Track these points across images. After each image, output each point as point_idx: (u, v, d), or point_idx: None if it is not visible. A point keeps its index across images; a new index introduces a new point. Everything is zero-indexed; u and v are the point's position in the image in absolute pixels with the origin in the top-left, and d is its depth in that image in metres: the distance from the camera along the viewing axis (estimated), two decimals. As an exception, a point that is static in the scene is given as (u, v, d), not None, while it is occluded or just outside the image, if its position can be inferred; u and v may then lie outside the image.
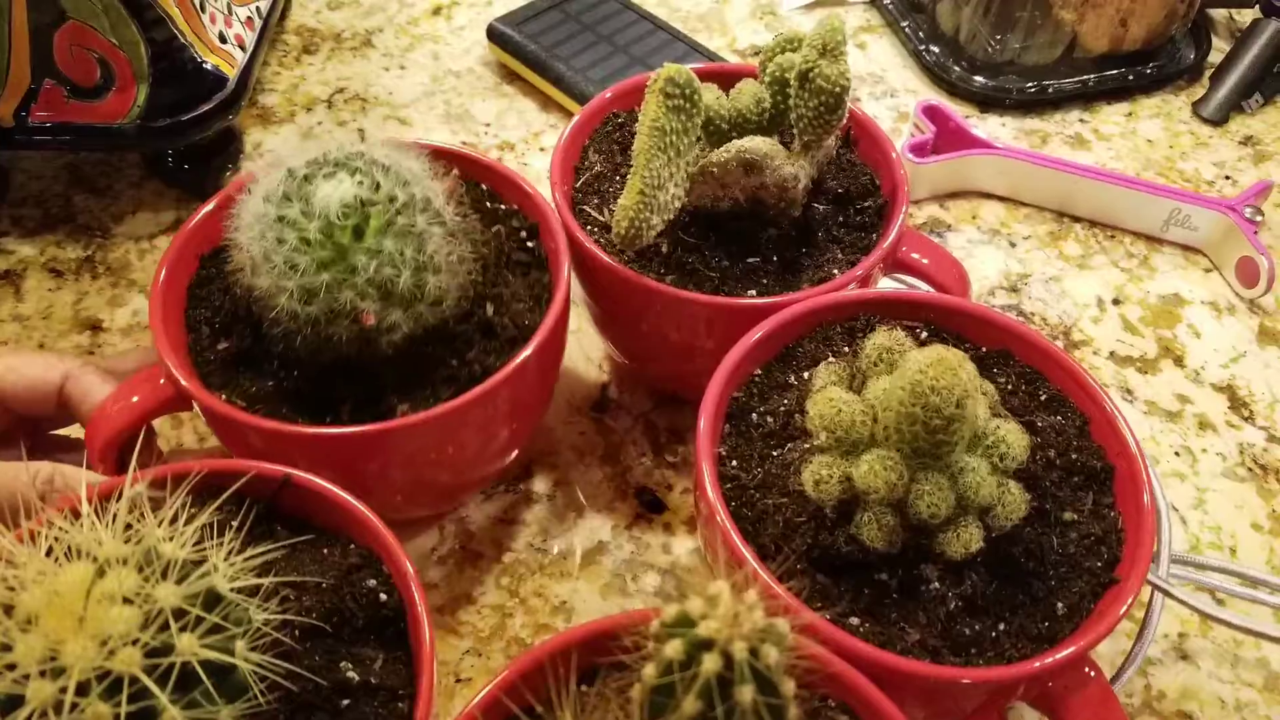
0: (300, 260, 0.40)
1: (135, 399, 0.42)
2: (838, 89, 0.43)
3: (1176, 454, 0.55)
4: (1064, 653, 0.35)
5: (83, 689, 0.27)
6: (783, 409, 0.42)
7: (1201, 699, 0.47)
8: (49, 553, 0.30)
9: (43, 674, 0.27)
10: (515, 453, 0.49)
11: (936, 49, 0.77)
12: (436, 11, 0.81)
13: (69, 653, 0.28)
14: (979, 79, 0.74)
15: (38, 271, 0.63)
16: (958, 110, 0.69)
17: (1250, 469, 0.55)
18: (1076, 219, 0.67)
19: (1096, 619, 0.36)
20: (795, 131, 0.47)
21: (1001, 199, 0.68)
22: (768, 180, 0.46)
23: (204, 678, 0.29)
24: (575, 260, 0.47)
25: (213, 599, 0.30)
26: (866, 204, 0.50)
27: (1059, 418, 0.43)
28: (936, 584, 0.37)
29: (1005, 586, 0.38)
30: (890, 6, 0.80)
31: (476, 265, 0.45)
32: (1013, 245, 0.65)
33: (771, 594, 0.36)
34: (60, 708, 0.27)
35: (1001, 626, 0.37)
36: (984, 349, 0.45)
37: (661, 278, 0.47)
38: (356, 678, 0.34)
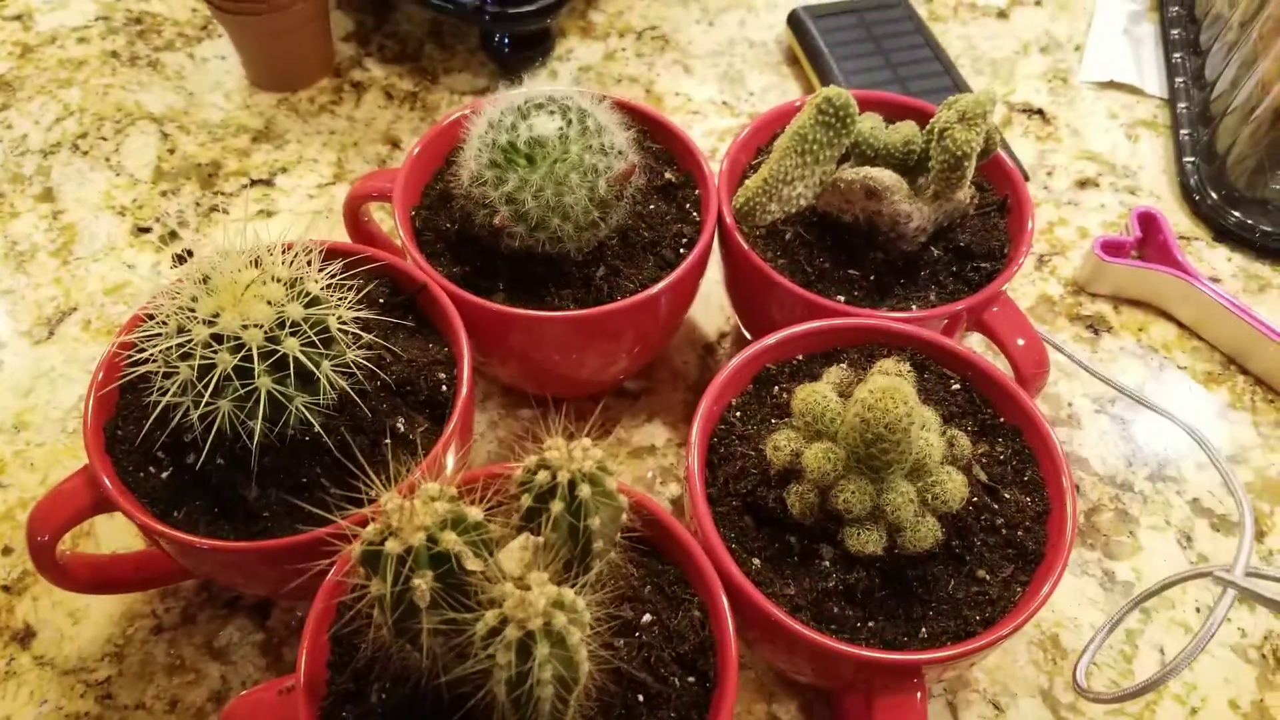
0: (483, 158, 0.52)
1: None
2: (959, 153, 0.49)
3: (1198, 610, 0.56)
4: (889, 656, 0.41)
5: (220, 341, 0.42)
6: (801, 392, 0.50)
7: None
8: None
9: (205, 323, 0.43)
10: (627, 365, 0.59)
11: (1204, 170, 0.76)
12: (765, -15, 0.90)
13: (223, 318, 0.43)
14: (1235, 213, 0.73)
15: (377, 91, 0.81)
16: (1176, 228, 0.70)
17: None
18: (1245, 371, 0.66)
19: (940, 650, 0.42)
20: (930, 179, 0.53)
21: (1180, 325, 0.68)
22: (884, 209, 0.52)
23: (291, 370, 0.43)
24: (718, 227, 0.56)
25: (323, 328, 0.44)
26: (984, 266, 0.55)
27: (1028, 499, 0.47)
28: (827, 563, 0.44)
29: (889, 597, 0.44)
30: (1183, 110, 0.80)
31: (612, 229, 0.54)
32: (1160, 369, 0.66)
33: (699, 508, 0.45)
34: (207, 345, 0.42)
35: (870, 624, 0.44)
36: (1002, 419, 0.50)
37: (774, 259, 0.55)
38: (401, 428, 0.48)
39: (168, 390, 0.43)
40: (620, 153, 0.52)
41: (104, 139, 0.77)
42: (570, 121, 0.52)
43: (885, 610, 0.44)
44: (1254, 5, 0.76)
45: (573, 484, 0.34)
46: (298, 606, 0.55)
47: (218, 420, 0.43)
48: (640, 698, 0.41)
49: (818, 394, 0.45)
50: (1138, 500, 0.60)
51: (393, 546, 0.32)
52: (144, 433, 0.47)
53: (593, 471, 0.34)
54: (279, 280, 0.44)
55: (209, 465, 0.45)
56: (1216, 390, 0.65)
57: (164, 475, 0.46)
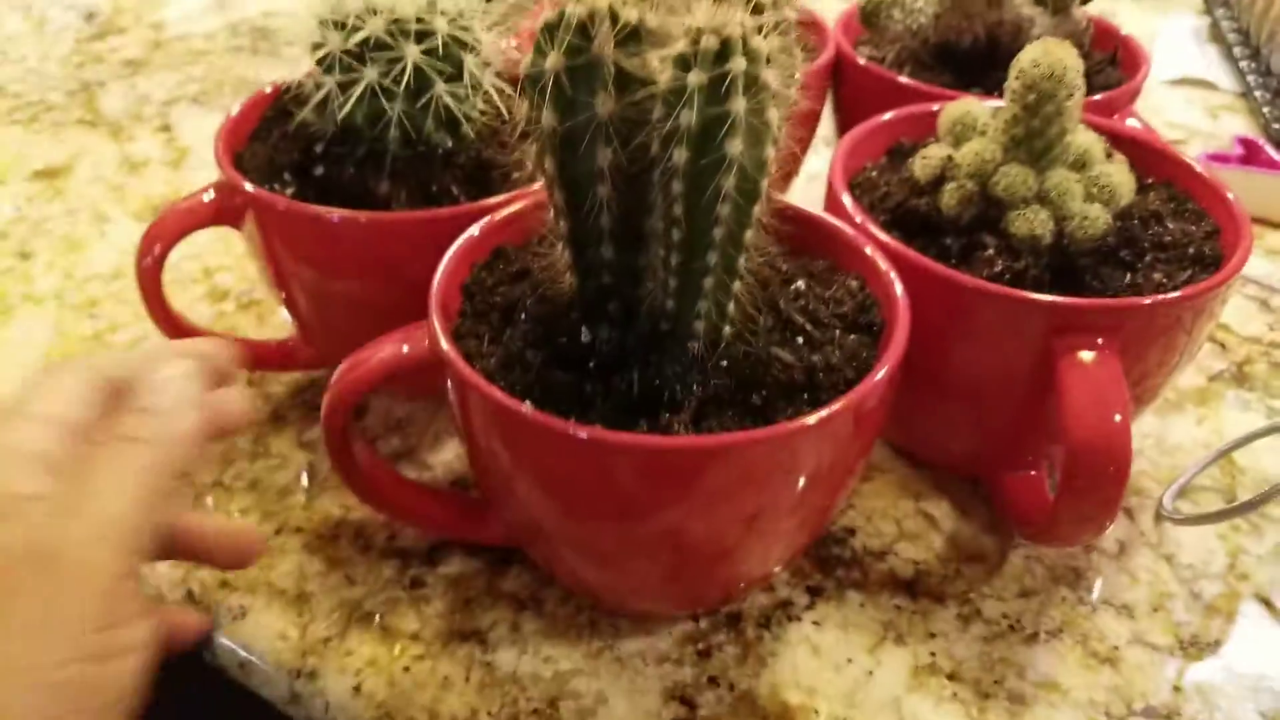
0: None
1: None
2: (1079, -60, 0.51)
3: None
4: (1071, 300, 0.38)
5: (374, 15, 0.43)
6: (937, 159, 0.48)
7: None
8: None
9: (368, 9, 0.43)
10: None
11: (1295, 130, 0.77)
12: None
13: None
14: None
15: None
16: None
17: None
18: (1376, 266, 0.63)
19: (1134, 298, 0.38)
20: (1047, -7, 0.54)
21: (1298, 235, 0.66)
22: (1005, 16, 0.53)
23: (440, 51, 0.43)
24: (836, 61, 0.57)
25: (471, 30, 0.45)
26: (1108, 90, 0.55)
27: (1193, 227, 0.44)
28: (991, 251, 0.41)
29: (1059, 287, 0.40)
30: (1260, 95, 0.82)
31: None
32: (1289, 264, 0.64)
33: (846, 208, 0.42)
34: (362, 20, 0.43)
35: (1043, 314, 0.40)
36: (1150, 179, 0.48)
37: (893, 86, 0.56)
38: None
39: (315, 56, 0.43)
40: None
41: (223, 95, 0.81)
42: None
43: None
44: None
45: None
46: (397, 406, 0.51)
47: (361, 90, 0.42)
48: (800, 339, 0.37)
49: (963, 105, 0.44)
50: (1290, 352, 0.56)
51: (574, 10, 0.30)
52: (274, 147, 0.46)
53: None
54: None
55: (339, 161, 0.44)
56: (1350, 280, 0.62)
57: (289, 191, 0.45)
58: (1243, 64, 0.87)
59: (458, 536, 0.44)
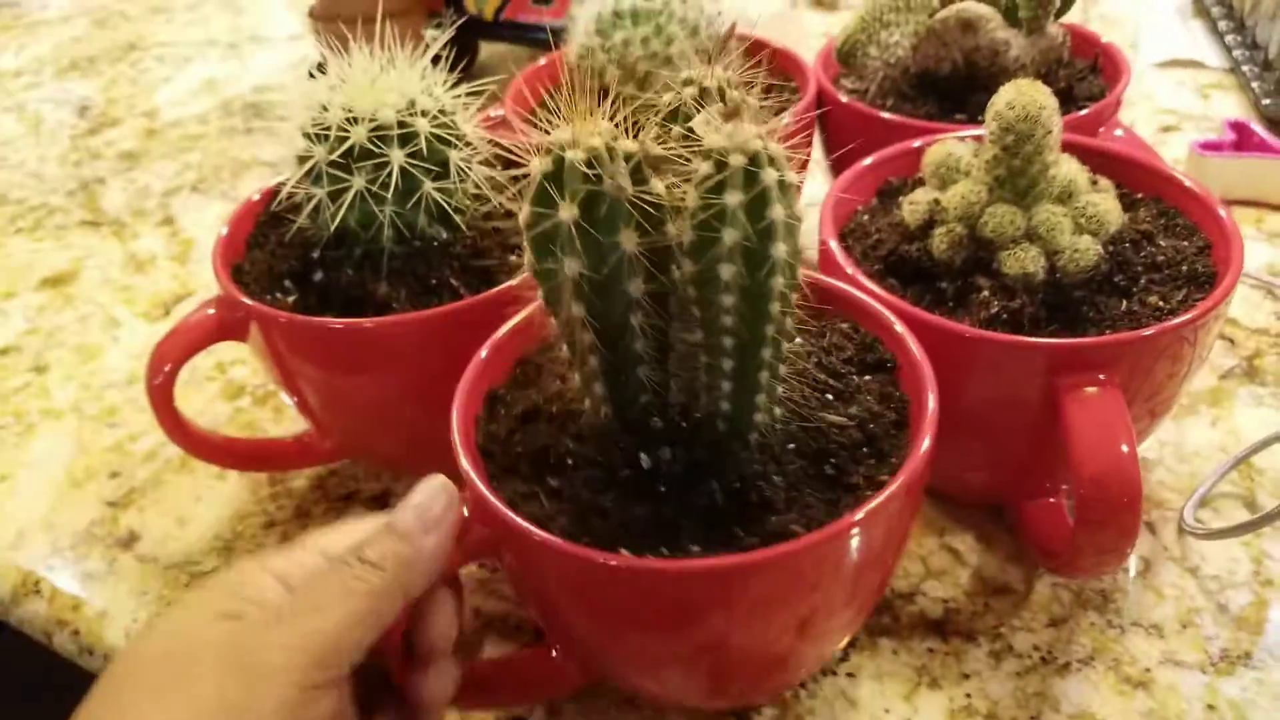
0: (591, 28, 0.55)
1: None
2: (1048, -42, 0.51)
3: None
4: (1067, 341, 0.38)
5: (354, 123, 0.43)
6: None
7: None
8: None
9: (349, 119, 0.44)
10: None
11: (1286, 103, 0.76)
12: None
13: (357, 103, 0.44)
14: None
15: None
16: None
17: None
18: (1380, 241, 0.63)
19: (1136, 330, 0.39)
20: (1019, 13, 0.54)
21: (1298, 215, 0.66)
22: (981, 42, 0.54)
23: (425, 151, 0.44)
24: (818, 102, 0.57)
25: (453, 126, 0.45)
26: (1088, 103, 0.55)
27: (1185, 242, 0.44)
28: (987, 293, 0.41)
29: (1059, 326, 0.41)
30: (1248, 69, 0.81)
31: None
32: (1292, 248, 0.63)
33: (838, 262, 0.43)
34: (341, 128, 0.43)
35: (1041, 349, 0.40)
36: (1140, 195, 0.48)
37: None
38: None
39: (302, 169, 0.43)
40: (720, 14, 0.55)
41: (221, 180, 0.82)
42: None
43: (1053, 334, 0.40)
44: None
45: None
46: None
47: (351, 197, 0.43)
48: (829, 396, 0.37)
49: (945, 147, 0.45)
50: (1300, 343, 0.56)
51: (575, 155, 0.29)
52: (271, 254, 0.47)
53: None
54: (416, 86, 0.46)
55: (336, 265, 0.45)
56: (1355, 259, 0.62)
57: (290, 299, 0.46)
58: (1229, 38, 0.87)
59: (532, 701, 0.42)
